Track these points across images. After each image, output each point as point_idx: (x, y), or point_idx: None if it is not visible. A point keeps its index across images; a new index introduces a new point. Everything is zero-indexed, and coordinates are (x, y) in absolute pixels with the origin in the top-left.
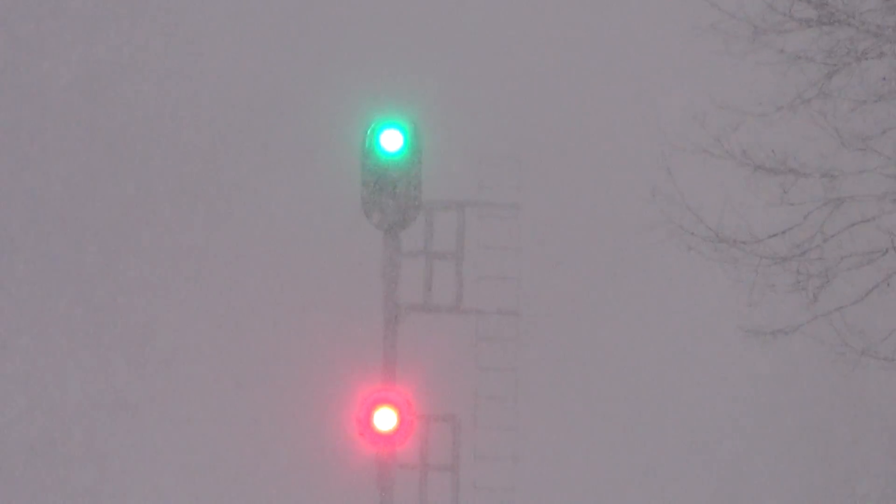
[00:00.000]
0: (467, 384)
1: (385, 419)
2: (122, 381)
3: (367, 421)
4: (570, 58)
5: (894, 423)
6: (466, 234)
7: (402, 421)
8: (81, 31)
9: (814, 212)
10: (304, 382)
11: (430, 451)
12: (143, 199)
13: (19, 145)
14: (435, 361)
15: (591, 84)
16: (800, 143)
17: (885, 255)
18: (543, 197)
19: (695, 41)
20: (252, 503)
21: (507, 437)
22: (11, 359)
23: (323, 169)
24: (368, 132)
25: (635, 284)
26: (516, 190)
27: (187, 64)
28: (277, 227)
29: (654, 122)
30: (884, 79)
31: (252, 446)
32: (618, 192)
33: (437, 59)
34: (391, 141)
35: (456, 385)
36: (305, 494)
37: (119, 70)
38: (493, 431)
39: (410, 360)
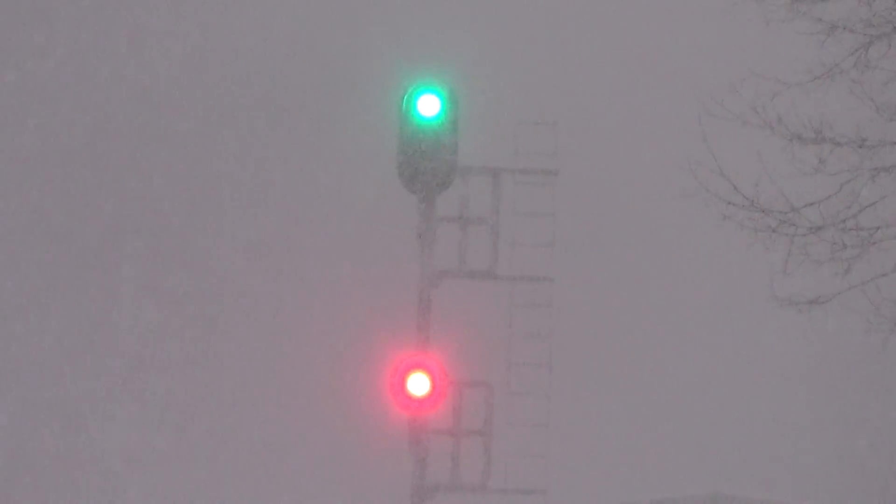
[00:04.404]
0: (501, 350)
1: (418, 384)
2: (164, 348)
3: (400, 386)
4: (608, 25)
5: None
6: (502, 200)
7: (435, 386)
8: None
9: (850, 181)
10: (338, 347)
11: (463, 417)
12: (179, 168)
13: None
14: (469, 327)
15: (628, 51)
16: (836, 112)
17: None
18: (579, 163)
19: (732, 9)
20: (286, 466)
21: (540, 404)
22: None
23: (359, 134)
24: (405, 97)
25: (670, 252)
26: (552, 156)
27: (222, 32)
28: (314, 191)
29: (691, 91)
30: None
31: (286, 410)
32: (654, 160)
33: (474, 24)
34: (428, 106)
35: (489, 351)
36: (339, 458)
37: (153, 44)
38: (527, 398)
39: (444, 325)
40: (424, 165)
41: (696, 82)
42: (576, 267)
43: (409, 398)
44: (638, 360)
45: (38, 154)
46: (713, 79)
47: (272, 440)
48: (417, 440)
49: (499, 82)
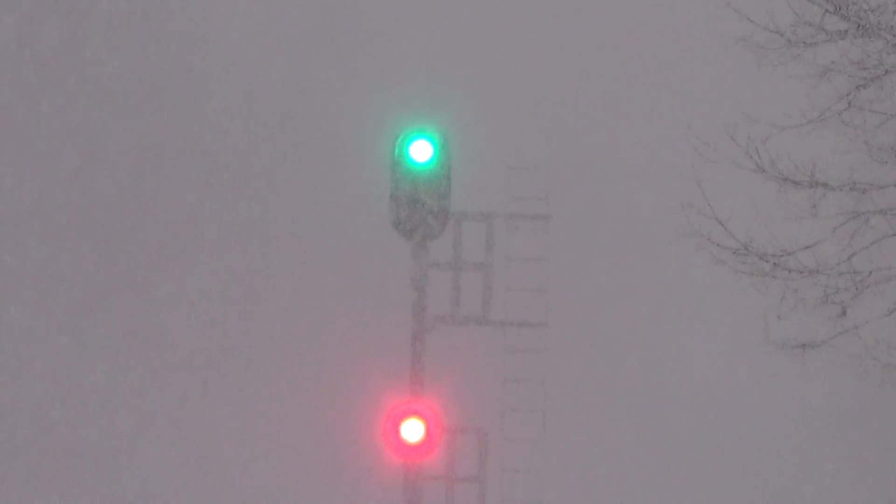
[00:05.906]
0: (494, 396)
1: (412, 430)
2: (152, 387)
3: (394, 432)
4: (601, 69)
5: None
6: (495, 246)
7: (429, 432)
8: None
9: (842, 225)
10: (332, 393)
11: (457, 463)
12: (173, 208)
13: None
14: (462, 373)
15: (621, 95)
16: (829, 156)
17: None
18: (572, 208)
19: (726, 53)
20: None
21: (533, 450)
22: (30, 359)
23: (352, 180)
24: (398, 143)
25: (664, 297)
26: (545, 201)
27: (218, 73)
28: (306, 237)
29: (684, 134)
30: None
31: (280, 456)
32: (647, 204)
33: (467, 70)
34: (420, 152)
35: (483, 397)
36: None
37: (151, 80)
38: (520, 444)
39: (438, 371)
40: (417, 211)
41: (690, 126)
42: (569, 312)
43: (404, 444)
44: (632, 406)
45: (33, 162)
46: (706, 123)
47: (266, 486)
48: (412, 486)
49: (491, 128)
